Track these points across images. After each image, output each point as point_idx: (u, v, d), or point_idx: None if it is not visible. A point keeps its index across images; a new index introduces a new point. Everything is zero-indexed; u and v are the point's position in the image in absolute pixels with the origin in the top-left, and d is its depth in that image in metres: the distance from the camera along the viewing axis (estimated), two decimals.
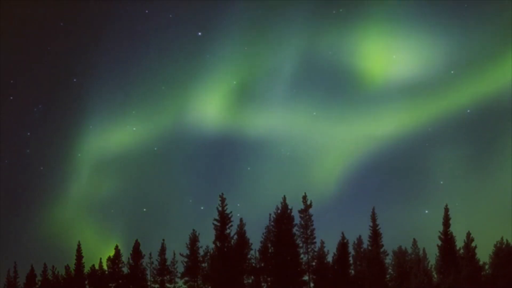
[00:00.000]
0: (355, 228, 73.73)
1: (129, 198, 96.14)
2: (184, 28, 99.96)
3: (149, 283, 72.06)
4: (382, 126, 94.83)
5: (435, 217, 67.85)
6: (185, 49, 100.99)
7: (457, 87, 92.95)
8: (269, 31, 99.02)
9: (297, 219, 67.14)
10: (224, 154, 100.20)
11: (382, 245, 68.30)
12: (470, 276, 61.22)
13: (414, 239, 70.97)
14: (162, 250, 72.36)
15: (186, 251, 70.20)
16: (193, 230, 70.72)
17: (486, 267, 66.68)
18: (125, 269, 72.80)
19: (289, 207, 66.90)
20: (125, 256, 73.03)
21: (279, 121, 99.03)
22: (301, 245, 67.16)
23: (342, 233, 68.11)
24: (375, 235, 68.71)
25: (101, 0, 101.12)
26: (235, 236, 67.04)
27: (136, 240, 73.12)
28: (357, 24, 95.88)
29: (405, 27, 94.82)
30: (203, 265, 69.69)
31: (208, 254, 68.98)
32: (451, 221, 65.24)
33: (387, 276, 68.05)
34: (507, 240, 65.43)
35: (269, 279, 67.20)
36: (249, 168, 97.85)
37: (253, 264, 68.25)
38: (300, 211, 67.54)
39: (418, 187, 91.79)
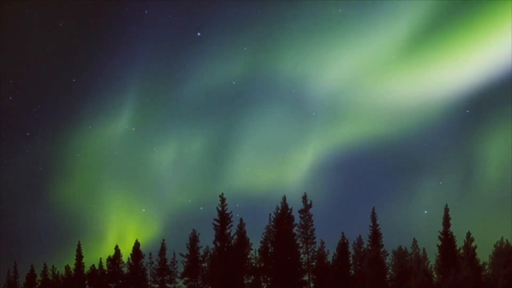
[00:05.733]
0: (355, 228, 73.91)
1: (129, 198, 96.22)
2: (183, 28, 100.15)
3: (149, 283, 72.09)
4: (381, 126, 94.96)
5: (435, 217, 67.97)
6: (184, 49, 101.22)
7: (456, 87, 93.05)
8: (268, 31, 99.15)
9: (297, 219, 67.32)
10: (224, 154, 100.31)
11: (382, 245, 68.44)
12: (470, 276, 61.21)
13: (414, 239, 71.16)
14: (162, 250, 72.40)
15: (186, 251, 70.33)
16: (193, 230, 70.90)
17: (486, 267, 66.71)
18: (125, 269, 72.87)
19: (289, 207, 66.99)
20: (125, 256, 73.21)
21: (278, 121, 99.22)
22: (301, 245, 67.22)
23: (342, 233, 68.28)
24: (375, 235, 68.79)
25: (101, 1, 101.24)
26: (235, 236, 67.09)
27: (136, 240, 73.27)
28: (357, 25, 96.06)
29: (404, 27, 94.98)
30: (203, 265, 69.71)
31: (208, 254, 69.02)
32: (451, 221, 65.33)
33: (387, 276, 68.06)
34: (507, 240, 65.42)
35: (269, 279, 67.21)
36: (248, 168, 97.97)
37: (253, 264, 68.29)
38: (300, 211, 67.57)
39: (418, 187, 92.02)
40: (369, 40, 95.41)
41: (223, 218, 66.22)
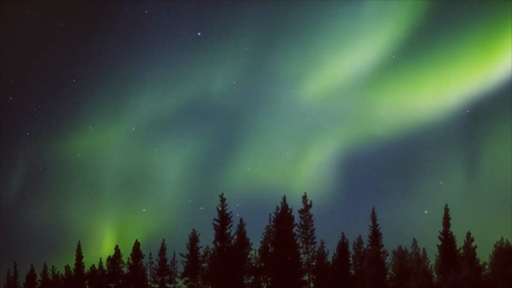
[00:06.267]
0: (355, 228, 73.85)
1: (129, 198, 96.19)
2: (184, 28, 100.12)
3: (149, 283, 72.08)
4: (382, 126, 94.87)
5: (435, 217, 67.94)
6: (184, 49, 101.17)
7: (457, 87, 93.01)
8: (269, 31, 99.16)
9: (297, 219, 67.31)
10: (224, 154, 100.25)
11: (382, 245, 68.40)
12: (470, 276, 61.20)
13: (414, 239, 71.06)
14: (162, 250, 72.38)
15: (186, 251, 70.32)
16: (193, 230, 70.87)
17: (486, 267, 66.65)
18: (125, 269, 72.87)
19: (289, 207, 66.98)
20: (125, 256, 73.19)
21: (278, 121, 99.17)
22: (301, 245, 67.21)
23: (342, 233, 68.32)
24: (375, 235, 68.78)
25: (101, 0, 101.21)
26: (235, 236, 67.08)
27: (136, 240, 73.25)
28: (357, 24, 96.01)
29: (404, 27, 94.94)
30: (203, 265, 69.72)
31: (208, 254, 69.02)
32: (451, 221, 65.33)
33: (387, 276, 68.04)
34: (507, 240, 65.34)
35: (269, 279, 67.21)
36: (249, 168, 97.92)
37: (253, 264, 68.28)
38: (300, 211, 67.56)
39: (418, 187, 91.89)
40: (369, 40, 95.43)
41: (223, 218, 66.23)
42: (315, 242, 67.77)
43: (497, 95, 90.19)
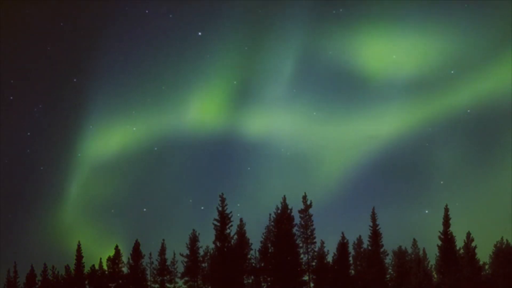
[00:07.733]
0: (355, 228, 74.03)
1: (129, 198, 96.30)
2: (184, 28, 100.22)
3: (149, 283, 72.07)
4: (382, 126, 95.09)
5: (435, 217, 68.04)
6: (185, 49, 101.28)
7: (457, 87, 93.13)
8: (269, 31, 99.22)
9: (297, 219, 67.24)
10: (224, 154, 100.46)
11: (382, 245, 68.32)
12: (470, 276, 61.23)
13: (414, 239, 71.15)
14: (162, 250, 72.39)
15: (186, 251, 70.35)
16: (193, 230, 70.95)
17: (486, 267, 66.80)
18: (125, 269, 72.82)
19: (289, 207, 66.89)
20: (125, 256, 73.18)
21: (279, 121, 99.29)
22: (301, 245, 67.14)
23: (342, 233, 68.41)
24: (375, 235, 68.70)
25: (101, 0, 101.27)
26: (235, 236, 67.06)
27: (136, 240, 73.16)
28: (357, 24, 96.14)
29: (405, 27, 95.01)
30: (203, 265, 69.74)
31: (208, 254, 69.04)
32: (451, 221, 65.35)
33: (387, 276, 68.06)
34: (507, 240, 65.59)
35: (269, 279, 67.20)
36: (249, 168, 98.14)
37: (253, 264, 68.28)
38: (300, 211, 67.49)
39: (418, 187, 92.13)
40: (369, 40, 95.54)
41: (223, 218, 66.15)
42: (315, 242, 67.79)
43: (498, 95, 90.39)
